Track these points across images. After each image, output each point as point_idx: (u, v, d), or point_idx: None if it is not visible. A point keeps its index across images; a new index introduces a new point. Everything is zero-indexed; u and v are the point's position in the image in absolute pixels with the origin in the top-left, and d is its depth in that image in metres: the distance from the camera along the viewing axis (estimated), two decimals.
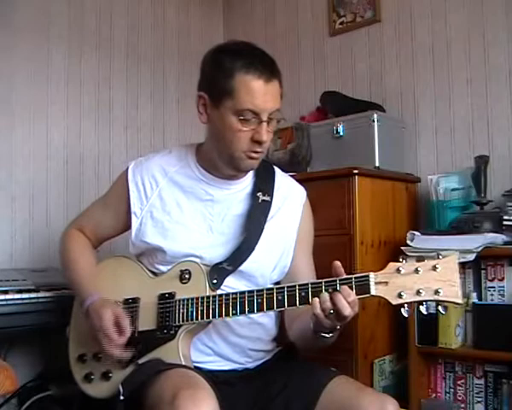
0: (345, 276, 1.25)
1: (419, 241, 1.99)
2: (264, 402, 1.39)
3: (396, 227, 2.23)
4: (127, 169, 1.56)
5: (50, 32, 2.53)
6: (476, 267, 1.99)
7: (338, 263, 1.27)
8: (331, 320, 1.24)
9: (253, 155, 1.40)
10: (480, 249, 1.88)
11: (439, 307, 1.21)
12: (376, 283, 1.21)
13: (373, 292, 1.21)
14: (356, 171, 2.05)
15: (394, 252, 2.09)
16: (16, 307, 1.82)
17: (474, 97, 2.34)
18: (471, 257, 1.87)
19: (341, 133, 2.29)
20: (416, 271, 1.19)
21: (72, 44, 2.60)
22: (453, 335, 1.95)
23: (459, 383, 2.03)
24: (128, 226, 1.55)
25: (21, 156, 2.41)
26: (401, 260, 1.23)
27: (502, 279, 1.94)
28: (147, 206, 1.50)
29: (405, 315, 1.21)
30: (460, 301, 1.18)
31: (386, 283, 1.20)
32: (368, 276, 1.22)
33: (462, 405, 2.01)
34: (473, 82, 2.35)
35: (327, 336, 1.32)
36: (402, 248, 2.00)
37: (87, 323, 1.45)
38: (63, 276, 1.64)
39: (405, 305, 1.20)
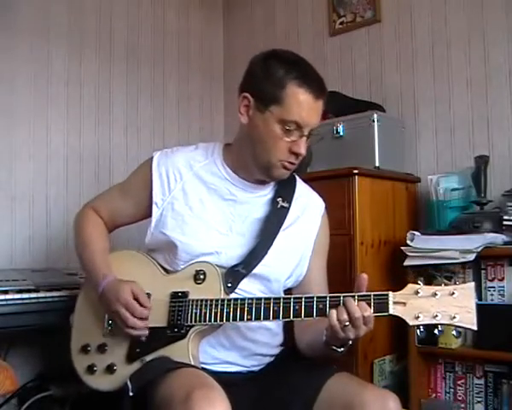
0: (364, 292, 1.27)
1: (419, 241, 1.99)
2: (266, 400, 1.40)
3: (396, 227, 2.23)
4: (152, 158, 1.55)
5: (50, 33, 2.53)
6: (476, 267, 1.98)
7: (365, 277, 1.28)
8: (345, 333, 1.25)
9: (288, 165, 1.42)
10: (480, 249, 1.88)
11: (453, 331, 1.26)
12: (395, 302, 1.24)
13: (391, 311, 1.24)
14: (356, 171, 2.06)
15: (394, 252, 2.10)
16: (16, 307, 1.82)
17: (474, 97, 2.34)
18: (471, 257, 1.87)
19: (341, 133, 2.29)
20: (434, 295, 1.22)
21: (73, 46, 2.61)
22: (453, 335, 1.95)
23: (459, 383, 2.03)
24: (147, 215, 1.54)
25: (21, 156, 2.41)
26: (419, 282, 1.26)
27: (502, 279, 1.94)
28: (169, 197, 1.50)
29: (419, 335, 1.25)
30: (475, 328, 1.20)
31: (405, 303, 1.24)
32: (387, 295, 1.25)
33: (462, 405, 2.01)
34: (473, 82, 2.35)
35: (338, 350, 1.32)
36: (402, 248, 2.00)
37: (101, 305, 1.46)
38: (77, 256, 1.61)
39: (421, 326, 1.23)
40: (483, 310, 1.89)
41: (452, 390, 2.04)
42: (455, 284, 1.23)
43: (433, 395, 2.08)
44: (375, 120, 2.21)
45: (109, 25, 2.76)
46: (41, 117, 2.49)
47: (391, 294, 1.25)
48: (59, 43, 2.56)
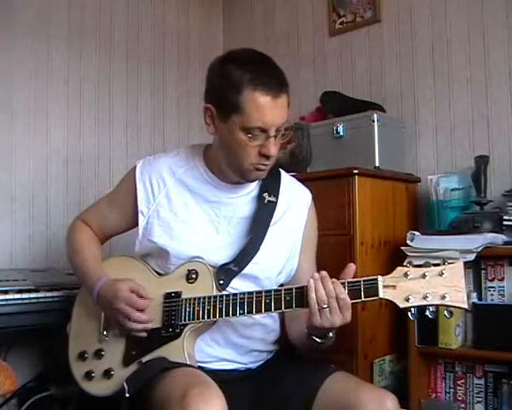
0: (354, 279, 1.27)
1: (419, 241, 1.99)
2: (264, 400, 1.40)
3: (396, 227, 2.23)
4: (135, 168, 1.56)
5: (50, 31, 2.53)
6: (476, 267, 1.99)
7: (353, 267, 1.30)
8: (321, 318, 1.25)
9: (261, 167, 1.41)
10: (480, 249, 1.88)
11: (445, 312, 1.24)
12: (384, 286, 1.24)
13: (381, 295, 1.24)
14: (356, 171, 2.05)
15: (394, 252, 2.10)
16: (16, 307, 1.82)
17: (474, 97, 2.34)
18: (471, 257, 1.87)
19: (341, 133, 2.29)
20: (424, 276, 1.22)
21: (72, 44, 2.61)
22: (453, 335, 1.96)
23: (459, 383, 2.03)
24: (134, 224, 1.55)
25: (21, 156, 2.41)
26: (408, 265, 1.25)
27: (502, 279, 1.94)
28: (154, 205, 1.51)
29: (411, 318, 1.25)
30: (466, 306, 1.21)
31: (394, 286, 1.23)
32: (376, 279, 1.25)
33: (462, 405, 2.01)
34: (473, 82, 2.35)
35: (318, 340, 1.33)
36: (402, 248, 2.00)
37: (98, 307, 1.47)
38: (70, 266, 1.64)
39: (412, 309, 1.22)
40: (483, 310, 1.93)
41: (452, 390, 2.04)
42: (444, 264, 1.23)
43: (433, 395, 2.08)
44: (375, 120, 2.22)
45: (109, 22, 2.76)
46: (41, 115, 2.48)
47: (380, 278, 1.25)
48: (59, 41, 2.55)
